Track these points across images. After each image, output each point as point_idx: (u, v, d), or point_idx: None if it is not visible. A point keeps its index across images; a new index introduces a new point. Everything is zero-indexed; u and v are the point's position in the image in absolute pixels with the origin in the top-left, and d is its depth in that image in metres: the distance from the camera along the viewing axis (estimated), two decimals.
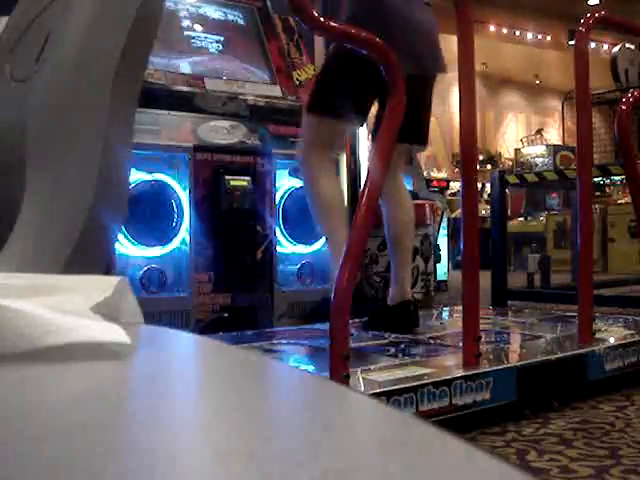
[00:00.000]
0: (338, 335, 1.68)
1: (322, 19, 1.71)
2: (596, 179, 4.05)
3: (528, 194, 10.42)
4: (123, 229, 2.59)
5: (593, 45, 10.94)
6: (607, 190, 9.04)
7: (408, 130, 2.34)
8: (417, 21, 2.46)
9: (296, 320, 3.05)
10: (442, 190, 8.15)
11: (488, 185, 6.32)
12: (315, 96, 2.47)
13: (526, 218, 10.10)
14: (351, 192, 4.51)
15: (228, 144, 2.99)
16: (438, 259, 5.15)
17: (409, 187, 5.15)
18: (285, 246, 3.16)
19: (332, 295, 1.68)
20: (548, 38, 13.17)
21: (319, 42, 3.76)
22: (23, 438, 0.31)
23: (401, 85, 1.80)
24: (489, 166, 11.32)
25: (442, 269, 5.50)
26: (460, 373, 1.83)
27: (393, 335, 2.51)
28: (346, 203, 2.67)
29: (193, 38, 3.21)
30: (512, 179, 4.48)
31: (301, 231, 3.19)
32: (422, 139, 2.70)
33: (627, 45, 5.55)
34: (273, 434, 0.33)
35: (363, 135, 4.75)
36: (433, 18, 2.56)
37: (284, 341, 2.50)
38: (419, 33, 2.46)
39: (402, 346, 2.30)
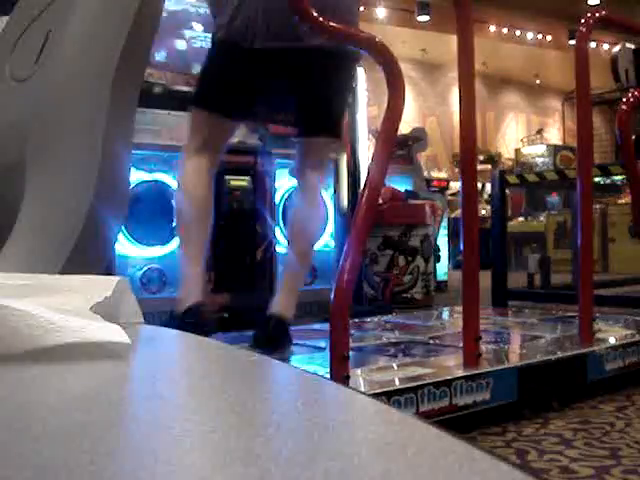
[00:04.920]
0: (338, 335, 1.68)
1: (322, 19, 1.71)
2: (596, 179, 4.05)
3: (528, 194, 10.42)
4: (123, 229, 2.59)
5: (593, 45, 10.94)
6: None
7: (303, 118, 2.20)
8: None
9: (296, 320, 3.05)
10: (442, 190, 8.15)
11: (488, 185, 6.32)
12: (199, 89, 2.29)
13: (526, 218, 10.10)
14: (351, 192, 4.51)
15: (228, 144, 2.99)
16: (438, 259, 5.16)
17: (409, 187, 5.17)
18: (285, 246, 3.16)
19: (332, 295, 1.68)
20: (548, 38, 13.17)
21: None
22: (23, 438, 0.31)
23: (401, 85, 1.80)
24: (489, 166, 11.31)
25: (442, 269, 5.50)
26: (460, 373, 1.83)
27: (392, 336, 2.51)
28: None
29: (193, 38, 3.21)
30: (512, 179, 4.48)
31: None
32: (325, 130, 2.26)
33: (627, 45, 5.55)
34: (273, 434, 0.33)
35: (363, 135, 4.75)
36: None
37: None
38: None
39: (402, 346, 2.30)
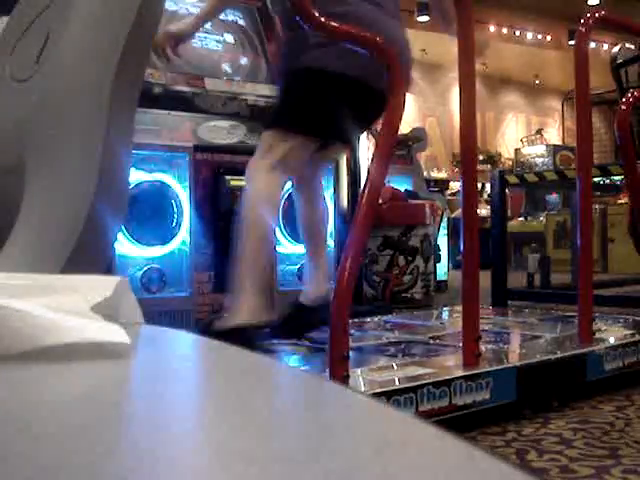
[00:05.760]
0: (338, 335, 1.68)
1: (322, 19, 1.71)
2: (596, 179, 4.05)
3: (528, 194, 10.41)
4: (123, 229, 2.59)
5: (593, 45, 10.93)
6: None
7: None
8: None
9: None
10: (442, 190, 8.15)
11: (488, 185, 6.32)
12: (288, 113, 2.32)
13: (526, 218, 10.09)
14: (351, 192, 4.50)
15: (228, 144, 2.99)
16: (438, 259, 5.15)
17: (409, 187, 5.17)
18: (285, 246, 3.16)
19: (332, 295, 1.69)
20: (548, 38, 13.16)
21: None
22: (23, 438, 0.31)
23: (401, 85, 1.80)
24: (489, 166, 11.31)
25: (442, 269, 5.50)
26: (460, 373, 1.83)
27: (392, 336, 2.51)
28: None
29: (193, 38, 3.21)
30: (512, 179, 4.48)
31: None
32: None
33: (627, 45, 5.55)
34: (273, 434, 0.33)
35: (363, 135, 4.75)
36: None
37: (284, 341, 2.50)
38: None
39: (402, 346, 2.30)
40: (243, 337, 2.01)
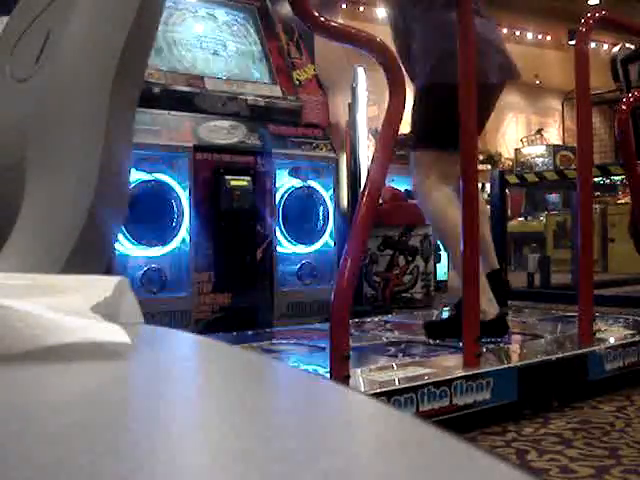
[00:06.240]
0: (338, 335, 1.68)
1: (322, 19, 1.71)
2: (596, 179, 4.05)
3: (528, 194, 10.40)
4: (123, 229, 2.59)
5: (593, 45, 10.93)
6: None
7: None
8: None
9: (296, 320, 3.05)
10: None
11: (488, 185, 6.32)
12: (424, 131, 2.60)
13: (526, 218, 10.09)
14: (351, 192, 4.50)
15: (228, 144, 2.99)
16: (438, 259, 5.15)
17: (409, 187, 5.16)
18: (285, 246, 3.16)
19: (332, 295, 1.69)
20: (548, 38, 13.16)
21: (319, 42, 3.76)
22: (23, 438, 0.31)
23: (401, 85, 1.80)
24: (489, 166, 11.30)
25: (442, 269, 5.49)
26: (460, 373, 1.83)
27: (392, 336, 2.51)
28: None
29: (193, 38, 3.21)
30: (512, 179, 4.48)
31: (301, 231, 3.19)
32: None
33: (627, 45, 5.55)
34: (273, 434, 0.33)
35: (363, 135, 4.75)
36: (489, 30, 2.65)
37: (284, 341, 2.50)
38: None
39: (402, 346, 2.30)
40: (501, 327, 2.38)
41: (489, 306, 2.32)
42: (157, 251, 2.80)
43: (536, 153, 10.97)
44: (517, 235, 8.66)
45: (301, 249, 3.21)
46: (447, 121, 2.32)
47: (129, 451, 0.30)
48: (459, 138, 2.35)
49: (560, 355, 2.13)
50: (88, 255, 0.88)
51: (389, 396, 1.64)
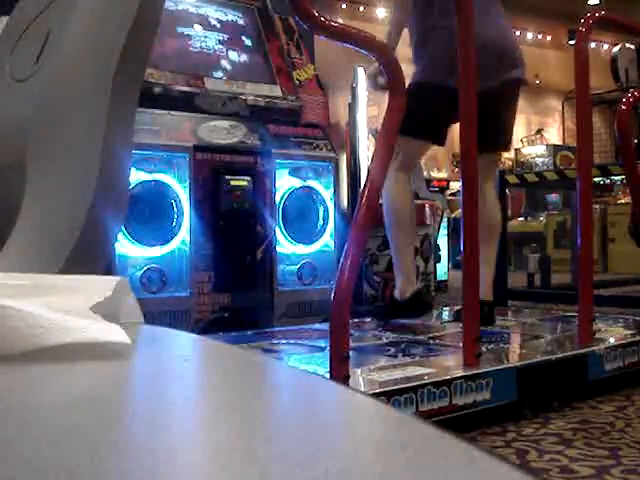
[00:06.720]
0: (338, 335, 1.68)
1: (322, 19, 1.71)
2: (596, 179, 4.05)
3: (528, 194, 10.40)
4: (123, 229, 2.59)
5: (593, 45, 10.93)
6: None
7: (490, 139, 2.67)
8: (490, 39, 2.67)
9: (296, 320, 3.05)
10: (442, 190, 8.13)
11: None
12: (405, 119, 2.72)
13: (526, 218, 10.09)
14: (351, 192, 4.50)
15: (228, 144, 2.99)
16: (438, 259, 5.15)
17: None
18: (285, 246, 3.16)
19: (332, 295, 1.68)
20: (548, 38, 13.17)
21: (319, 42, 3.76)
22: (23, 438, 0.31)
23: (401, 85, 1.80)
24: None
25: (442, 269, 5.49)
26: (460, 373, 1.83)
27: (392, 335, 2.51)
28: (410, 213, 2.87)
29: (193, 38, 3.21)
30: (512, 179, 4.48)
31: (301, 231, 3.18)
32: (505, 145, 3.08)
33: (627, 45, 5.55)
34: (273, 434, 0.33)
35: (363, 135, 4.75)
36: (506, 34, 2.84)
37: (284, 341, 2.50)
38: (489, 49, 2.62)
39: (402, 346, 2.30)
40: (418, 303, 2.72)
41: (407, 284, 2.72)
42: (157, 251, 2.80)
43: (536, 153, 10.97)
44: (517, 235, 8.66)
45: (301, 249, 3.21)
46: (427, 113, 2.66)
47: (129, 451, 0.30)
48: (440, 134, 2.74)
49: (560, 355, 2.13)
50: (88, 255, 0.88)
51: (389, 396, 1.64)
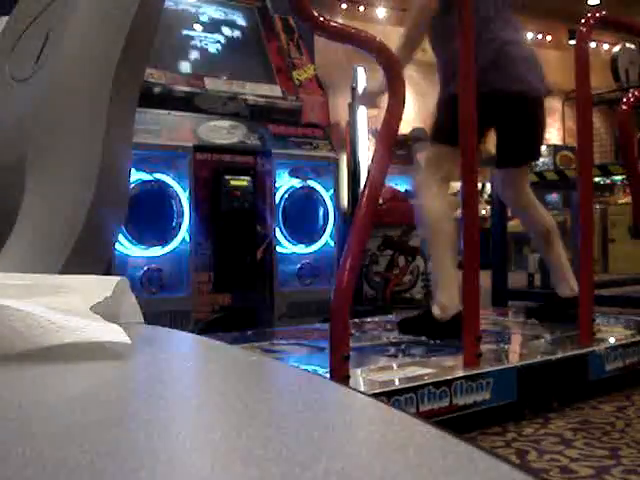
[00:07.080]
0: (338, 335, 1.68)
1: (322, 19, 1.71)
2: (596, 179, 4.05)
3: None
4: (123, 229, 2.59)
5: (593, 45, 10.93)
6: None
7: (525, 150, 2.75)
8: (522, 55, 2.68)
9: (296, 320, 3.05)
10: None
11: (488, 185, 6.31)
12: (437, 128, 2.67)
13: None
14: (351, 192, 4.50)
15: (228, 144, 2.99)
16: None
17: (409, 187, 5.16)
18: (285, 246, 3.16)
19: (332, 295, 1.68)
20: (548, 38, 13.16)
21: (319, 42, 3.76)
22: (23, 438, 0.31)
23: (400, 85, 1.80)
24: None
25: None
26: (460, 373, 1.83)
27: (393, 336, 2.51)
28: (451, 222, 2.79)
29: (193, 38, 3.21)
30: None
31: (301, 231, 3.18)
32: (536, 155, 3.08)
33: (627, 45, 5.55)
34: (273, 434, 0.33)
35: (363, 135, 4.75)
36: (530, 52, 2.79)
37: (284, 341, 2.50)
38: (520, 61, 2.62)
39: (402, 346, 2.30)
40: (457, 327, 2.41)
41: (450, 303, 2.44)
42: (157, 251, 2.80)
43: None
44: (517, 235, 8.65)
45: (301, 249, 3.21)
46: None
47: (129, 451, 0.30)
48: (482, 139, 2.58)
49: (560, 355, 2.12)
50: (88, 255, 0.88)
51: (389, 396, 1.64)
